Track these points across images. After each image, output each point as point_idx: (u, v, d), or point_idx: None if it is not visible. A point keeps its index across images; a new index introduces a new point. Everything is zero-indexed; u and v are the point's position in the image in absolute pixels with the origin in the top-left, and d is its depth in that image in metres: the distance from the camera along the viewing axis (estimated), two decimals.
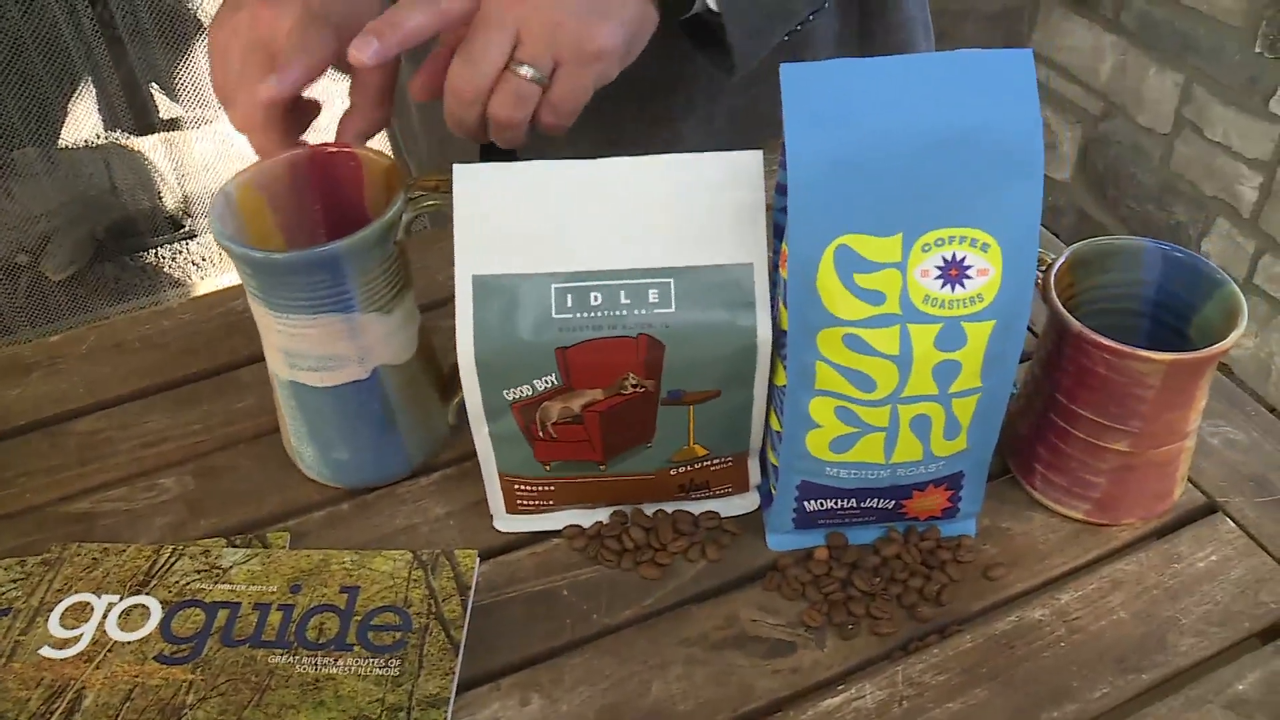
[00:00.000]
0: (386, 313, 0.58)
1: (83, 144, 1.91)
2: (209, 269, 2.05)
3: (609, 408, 0.56)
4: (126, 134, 1.93)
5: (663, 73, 0.78)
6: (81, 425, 0.71)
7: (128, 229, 1.97)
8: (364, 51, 0.57)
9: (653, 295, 0.54)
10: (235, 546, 0.62)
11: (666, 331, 0.54)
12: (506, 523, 0.63)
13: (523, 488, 0.60)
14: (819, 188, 0.51)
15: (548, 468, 0.59)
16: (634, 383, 0.55)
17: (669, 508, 0.63)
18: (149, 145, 1.92)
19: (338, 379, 0.59)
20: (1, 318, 1.92)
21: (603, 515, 0.63)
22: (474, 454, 0.65)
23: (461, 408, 0.65)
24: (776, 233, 0.58)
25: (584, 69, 0.59)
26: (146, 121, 1.97)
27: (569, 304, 0.54)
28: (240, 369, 0.74)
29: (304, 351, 0.58)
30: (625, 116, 0.79)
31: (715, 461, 0.61)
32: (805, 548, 0.63)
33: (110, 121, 1.93)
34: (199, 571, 0.60)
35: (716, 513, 0.64)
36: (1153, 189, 2.11)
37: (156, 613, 0.58)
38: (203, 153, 1.95)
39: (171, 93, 1.95)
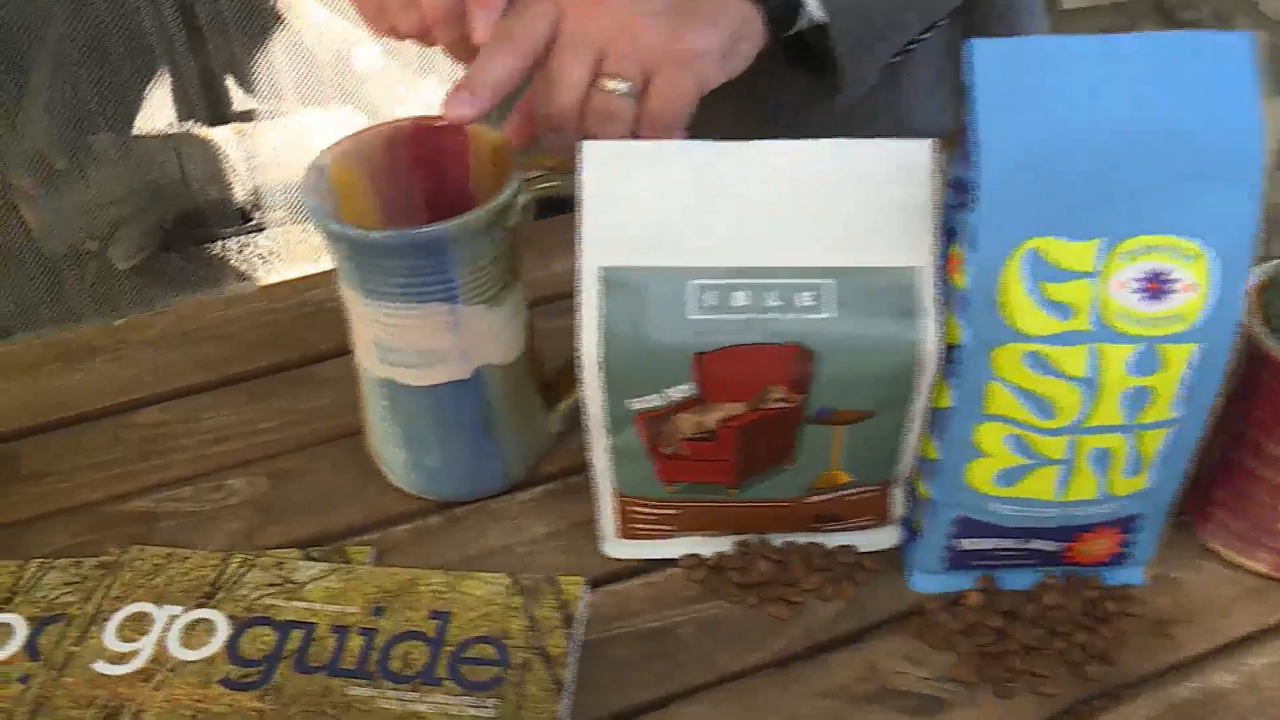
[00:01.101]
0: (493, 306, 0.52)
1: (156, 132, 1.88)
2: (275, 263, 2.01)
3: (746, 424, 0.49)
4: (200, 124, 1.90)
5: (758, 97, 0.73)
6: (145, 416, 0.65)
7: (195, 219, 1.93)
8: (460, 109, 0.51)
9: (805, 298, 0.47)
10: (311, 559, 0.55)
11: (820, 340, 0.47)
12: (617, 547, 0.55)
13: (640, 510, 0.53)
14: (1011, 182, 0.44)
15: (669, 489, 0.52)
16: (778, 397, 0.48)
17: (799, 539, 0.56)
18: (221, 136, 1.89)
19: (436, 378, 0.52)
20: (68, 304, 1.89)
21: (724, 544, 0.56)
22: (579, 468, 0.59)
23: (568, 415, 0.59)
24: (945, 234, 0.50)
25: (679, 74, 0.53)
26: (220, 112, 1.94)
27: (708, 304, 0.47)
28: (317, 364, 0.68)
29: (400, 345, 0.51)
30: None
31: (856, 490, 0.54)
32: (952, 591, 0.55)
33: (184, 111, 1.90)
34: (271, 585, 0.54)
35: (853, 547, 0.56)
36: None
37: (223, 629, 0.52)
38: (274, 145, 1.91)
39: (247, 85, 1.92)
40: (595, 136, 0.54)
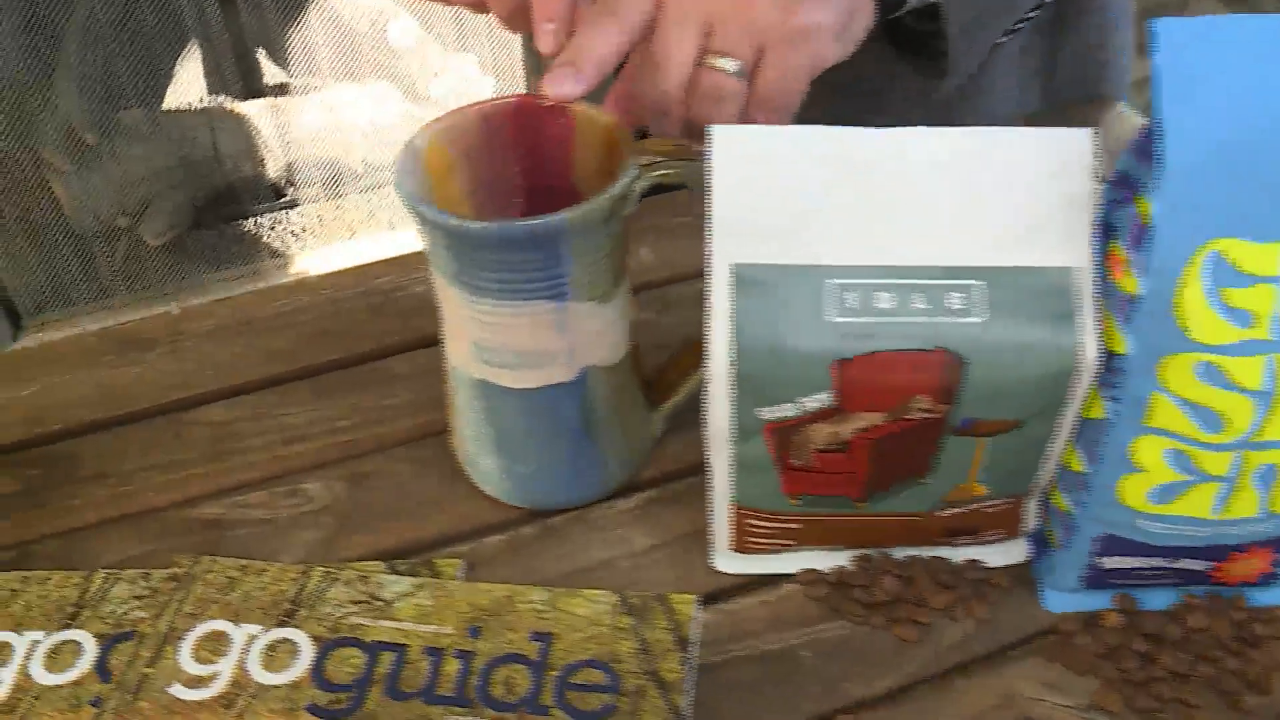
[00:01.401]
0: (603, 303, 0.47)
1: (188, 107, 1.84)
2: (308, 240, 1.96)
3: (884, 435, 0.44)
4: (232, 99, 1.85)
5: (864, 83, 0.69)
6: (209, 414, 0.61)
7: (228, 196, 1.89)
8: (564, 86, 0.47)
9: (955, 300, 0.43)
10: (398, 573, 0.51)
11: (970, 346, 0.42)
12: (729, 561, 0.51)
13: (759, 524, 0.49)
14: (1198, 178, 0.40)
15: (794, 502, 0.48)
16: (922, 407, 0.43)
17: (923, 553, 0.52)
18: (254, 111, 1.84)
19: (538, 380, 0.48)
20: (99, 281, 1.85)
21: (842, 559, 0.52)
22: (680, 473, 0.55)
23: (669, 416, 0.55)
24: (1103, 232, 0.46)
25: (792, 51, 0.48)
26: (253, 87, 1.89)
27: (850, 306, 0.42)
28: (391, 357, 0.64)
29: (503, 345, 0.47)
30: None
31: (992, 503, 0.49)
32: (1089, 610, 0.51)
33: (217, 85, 1.85)
34: (356, 603, 0.50)
35: (981, 562, 0.52)
36: None
37: (307, 651, 0.48)
38: (308, 120, 1.87)
39: (281, 59, 1.87)
40: (702, 121, 0.50)
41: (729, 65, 0.48)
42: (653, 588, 0.51)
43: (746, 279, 0.42)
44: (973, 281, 0.43)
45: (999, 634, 0.50)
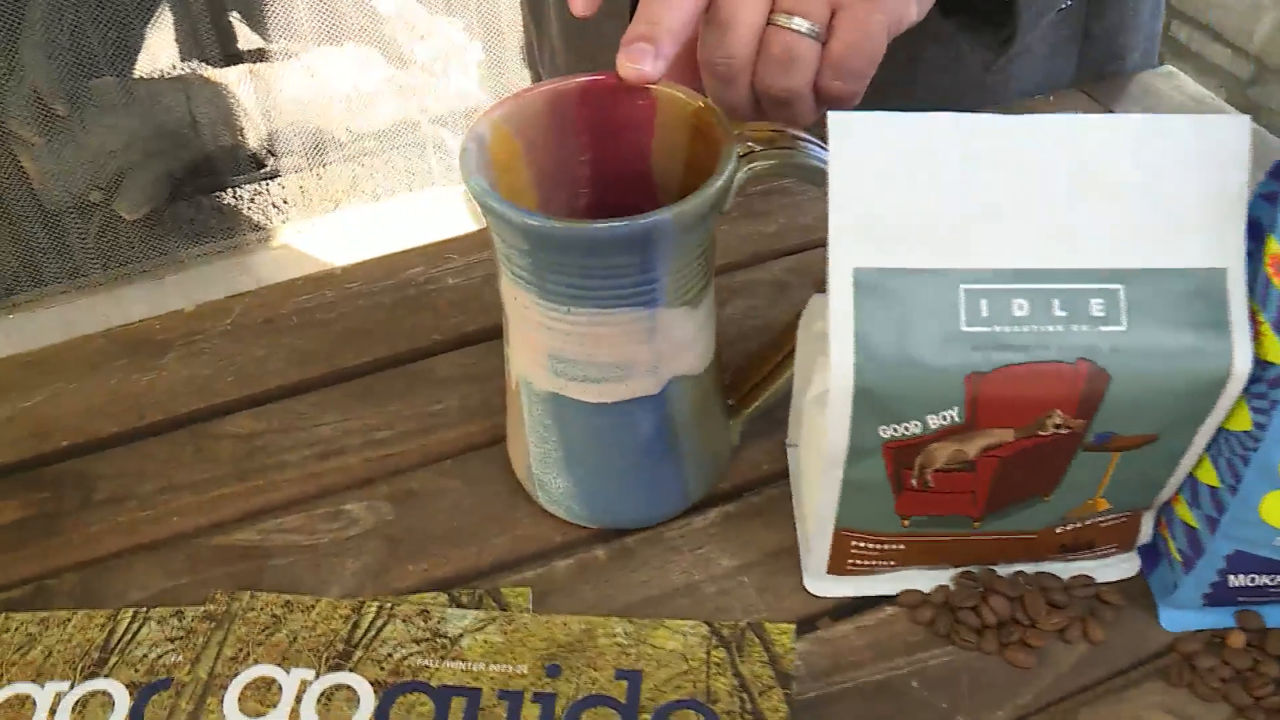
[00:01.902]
0: (694, 306, 0.43)
1: (162, 75, 1.75)
2: (290, 212, 1.89)
3: (1014, 453, 0.40)
4: (209, 65, 1.77)
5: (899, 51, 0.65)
6: (235, 424, 0.56)
7: (206, 167, 1.81)
8: (643, 64, 0.42)
9: (1096, 307, 0.38)
10: (461, 606, 0.47)
11: (1114, 357, 0.38)
12: (825, 584, 0.47)
13: (864, 545, 0.45)
14: None
15: (906, 523, 0.44)
16: (1058, 422, 0.39)
17: (1028, 568, 0.48)
18: (232, 78, 1.76)
19: (620, 394, 0.43)
20: (73, 259, 1.78)
21: (944, 577, 0.48)
22: (756, 483, 0.52)
23: (747, 423, 0.50)
24: (1251, 230, 0.41)
25: (868, 10, 0.44)
26: (230, 52, 1.81)
27: (984, 314, 0.38)
28: (433, 358, 0.58)
29: (583, 357, 0.42)
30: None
31: (1110, 517, 0.45)
32: (1209, 629, 0.47)
33: (192, 51, 1.77)
34: (417, 641, 0.45)
35: (1090, 577, 0.48)
36: None
37: (367, 698, 0.44)
38: (289, 87, 1.79)
39: (259, 22, 1.79)
40: (770, 90, 0.45)
41: (802, 25, 0.44)
42: (742, 614, 0.46)
43: (871, 285, 0.38)
44: (1115, 285, 0.38)
45: (1114, 656, 0.46)
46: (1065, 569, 0.48)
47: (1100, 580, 0.48)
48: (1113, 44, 0.76)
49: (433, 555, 0.49)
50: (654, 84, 0.43)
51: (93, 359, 0.60)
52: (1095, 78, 0.76)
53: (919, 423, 0.39)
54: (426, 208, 1.96)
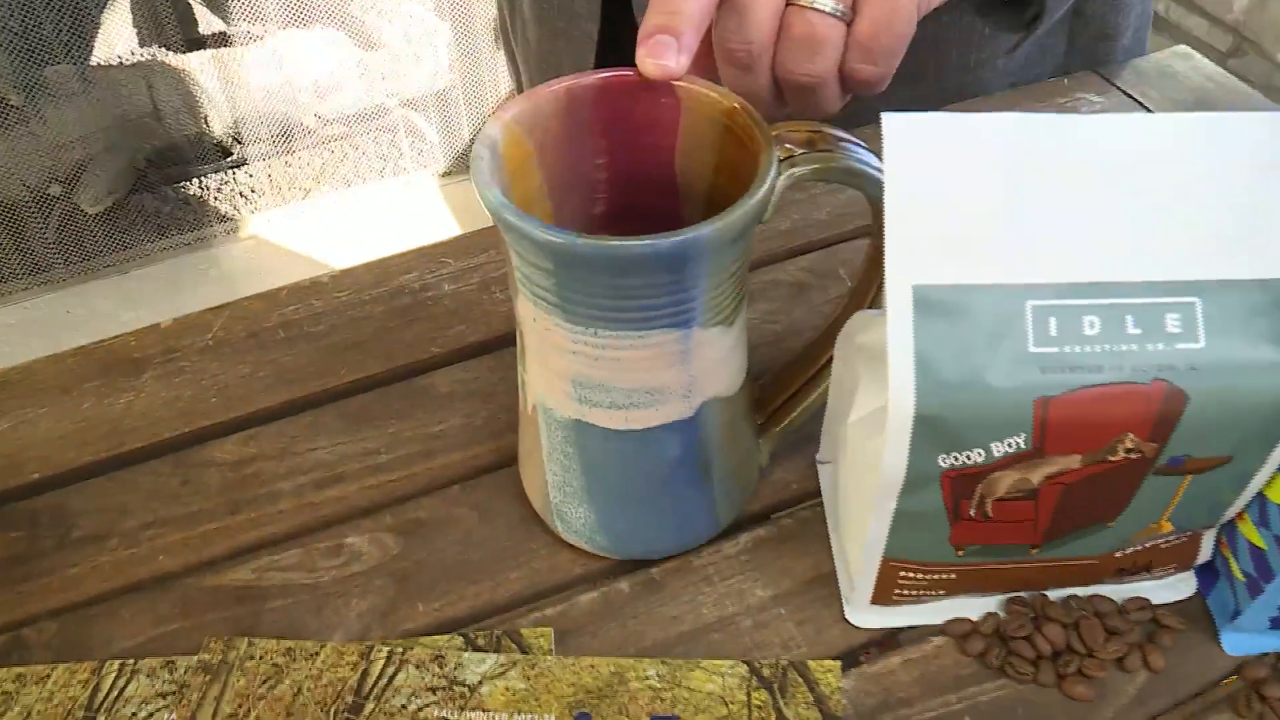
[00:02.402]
0: (729, 325, 0.39)
1: (120, 61, 1.69)
2: (259, 201, 1.84)
3: (1079, 479, 0.37)
4: (170, 50, 1.71)
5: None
6: (222, 450, 0.52)
7: (170, 156, 1.75)
8: (666, 59, 0.38)
9: (1172, 322, 0.35)
10: (478, 649, 0.43)
11: (1191, 376, 0.35)
12: (868, 615, 0.44)
13: (912, 575, 0.42)
14: None
15: (960, 553, 0.41)
16: (1129, 447, 0.36)
17: (1080, 591, 0.45)
18: (195, 63, 1.70)
19: (650, 420, 0.40)
20: (33, 255, 1.71)
21: (992, 604, 0.45)
22: (785, 504, 0.49)
23: (776, 441, 0.47)
24: None
25: None
26: (192, 36, 1.74)
27: (1053, 333, 0.35)
28: (432, 372, 0.55)
29: (611, 382, 0.38)
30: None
31: (1173, 538, 0.42)
32: (1274, 652, 0.44)
33: (151, 35, 1.70)
34: (433, 690, 0.42)
35: (1146, 599, 0.45)
36: None
37: None
38: (254, 71, 1.73)
39: (221, 6, 1.72)
40: (794, 75, 0.42)
41: (825, 4, 0.40)
42: (782, 650, 0.43)
43: (931, 303, 0.34)
44: (1190, 299, 0.35)
45: (1177, 685, 0.43)
46: (1119, 590, 0.45)
47: (1156, 602, 0.45)
48: (1104, 23, 0.73)
49: (444, 592, 0.46)
50: (679, 80, 0.39)
51: (63, 380, 0.55)
52: (1085, 57, 0.73)
53: (982, 450, 0.36)
54: (399, 194, 1.91)
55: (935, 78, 0.70)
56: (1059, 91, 0.71)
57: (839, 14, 0.41)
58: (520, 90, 0.84)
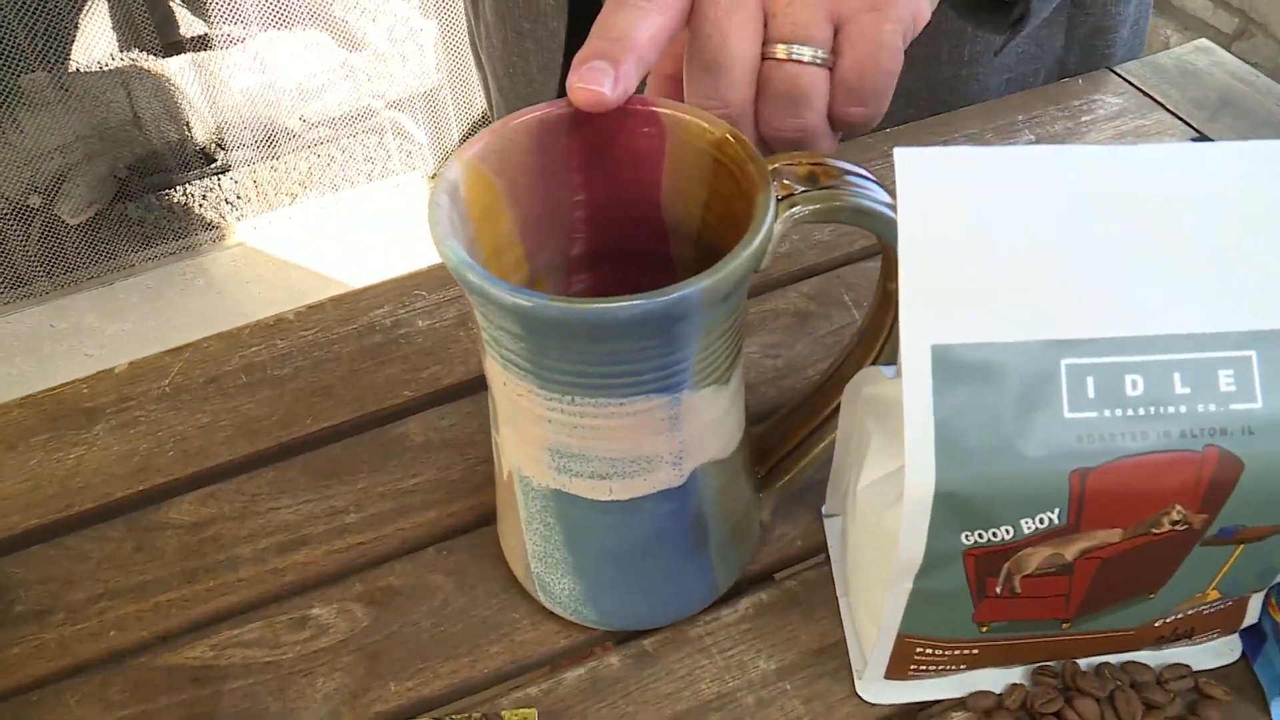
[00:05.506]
0: (722, 384, 0.35)
1: (99, 67, 1.64)
2: (245, 208, 1.79)
3: (1119, 553, 0.33)
4: (149, 55, 1.66)
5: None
6: (178, 511, 0.48)
7: (152, 164, 1.70)
8: (601, 84, 0.35)
9: (1225, 380, 0.31)
10: None
11: (1247, 440, 0.31)
12: (880, 691, 0.40)
13: (930, 651, 0.38)
14: None
15: (984, 630, 0.37)
16: (1177, 519, 0.32)
17: (1113, 659, 0.41)
18: (175, 68, 1.65)
19: (637, 490, 0.36)
20: (14, 268, 1.67)
21: (1017, 674, 0.41)
22: (789, 561, 0.45)
23: (777, 497, 0.43)
24: None
25: (877, 20, 0.37)
26: (171, 40, 1.70)
27: (1091, 395, 0.31)
28: (407, 419, 0.51)
29: (592, 451, 0.34)
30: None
31: (1218, 604, 0.38)
32: None
33: (129, 40, 1.66)
34: None
35: (1186, 666, 0.41)
36: None
37: None
38: (237, 76, 1.68)
39: (200, 7, 1.68)
40: (781, 131, 0.38)
41: (804, 53, 0.37)
42: None
43: (953, 364, 0.30)
44: (1246, 352, 0.31)
45: None
46: (1157, 656, 0.41)
47: (1198, 668, 0.41)
48: (1104, 14, 0.69)
49: (418, 670, 0.42)
50: (667, 108, 0.35)
51: (7, 435, 0.51)
52: (1084, 49, 0.69)
53: (1010, 528, 0.32)
54: (388, 198, 1.87)
55: (925, 72, 0.66)
56: (1072, 94, 0.66)
57: (820, 60, 0.37)
58: (490, 103, 0.80)
